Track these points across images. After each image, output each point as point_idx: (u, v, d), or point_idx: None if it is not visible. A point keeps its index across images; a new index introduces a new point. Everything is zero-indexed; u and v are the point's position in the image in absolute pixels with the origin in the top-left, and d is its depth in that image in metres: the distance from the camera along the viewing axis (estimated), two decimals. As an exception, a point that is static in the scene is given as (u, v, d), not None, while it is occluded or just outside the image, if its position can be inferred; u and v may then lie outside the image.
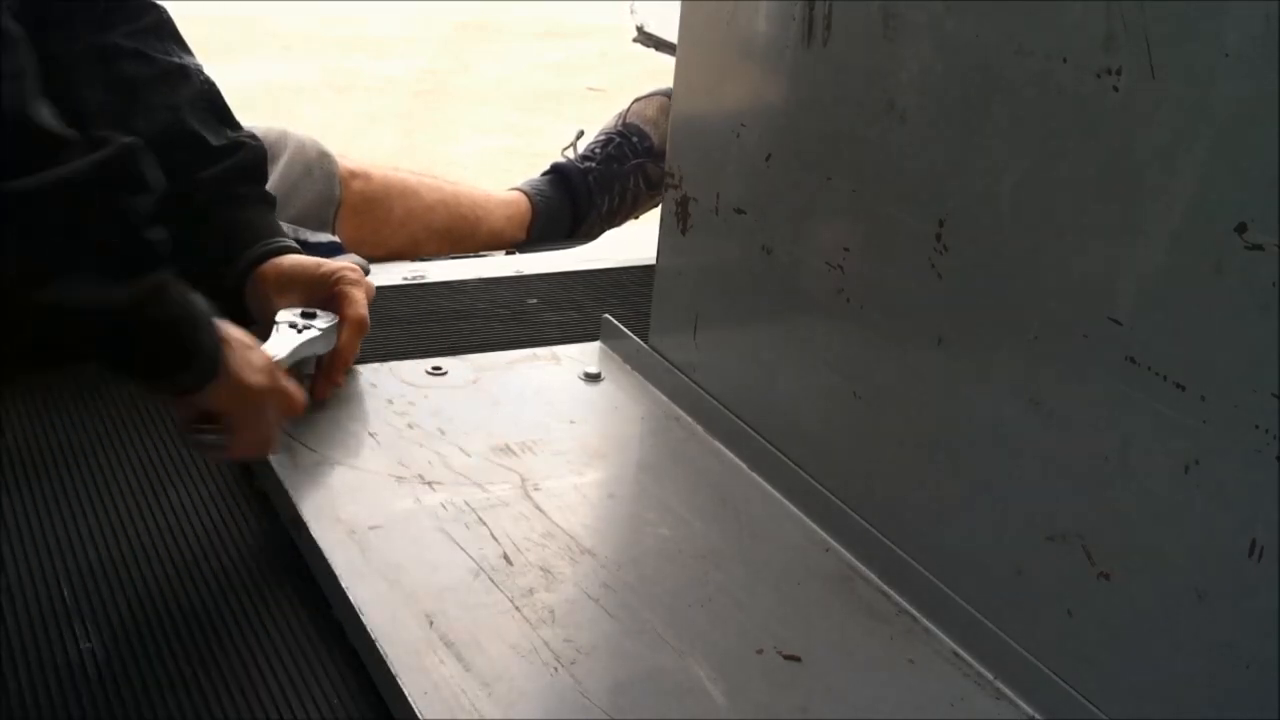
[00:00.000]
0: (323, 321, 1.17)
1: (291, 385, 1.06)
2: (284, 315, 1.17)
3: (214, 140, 1.25)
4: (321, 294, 1.20)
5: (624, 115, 1.81)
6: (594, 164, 1.77)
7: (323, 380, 1.18)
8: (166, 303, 0.92)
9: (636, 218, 1.82)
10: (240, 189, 1.26)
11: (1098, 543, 0.84)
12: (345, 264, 1.24)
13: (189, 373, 0.94)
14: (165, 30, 1.30)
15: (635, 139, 1.78)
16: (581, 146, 1.81)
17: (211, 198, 1.24)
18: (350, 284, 1.20)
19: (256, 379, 1.00)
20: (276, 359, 1.09)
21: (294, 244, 1.27)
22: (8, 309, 0.86)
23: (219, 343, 0.96)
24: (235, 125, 1.30)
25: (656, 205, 1.77)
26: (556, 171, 1.78)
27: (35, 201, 0.84)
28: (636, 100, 1.82)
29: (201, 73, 1.29)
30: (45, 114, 0.86)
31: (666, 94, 1.79)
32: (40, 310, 0.86)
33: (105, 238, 0.88)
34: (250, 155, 1.27)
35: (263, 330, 1.16)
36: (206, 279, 1.27)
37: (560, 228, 1.75)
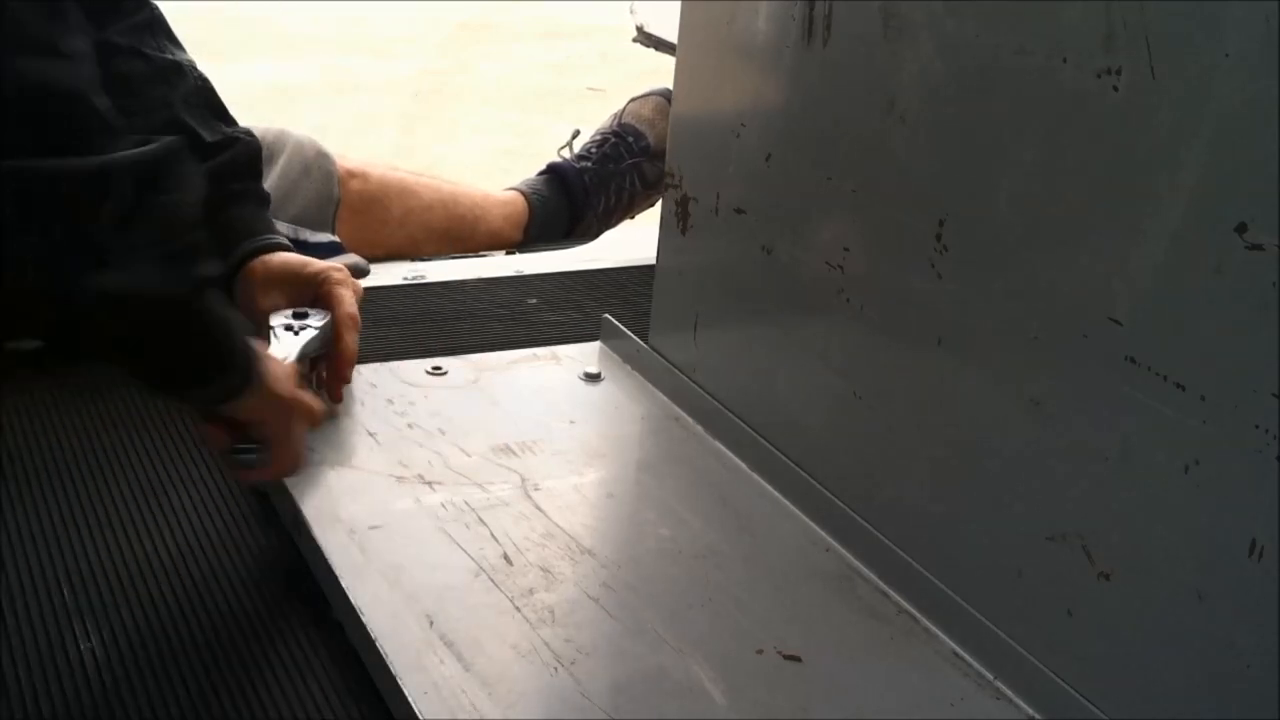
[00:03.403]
0: (316, 320, 1.16)
1: (309, 395, 1.06)
2: (277, 319, 1.15)
3: (208, 136, 1.25)
4: (308, 294, 1.19)
5: (619, 115, 1.81)
6: (590, 164, 1.76)
7: (335, 381, 1.18)
8: (213, 303, 0.90)
9: (633, 217, 1.82)
10: (233, 185, 1.26)
11: (1098, 543, 0.84)
12: (331, 264, 1.24)
13: (226, 378, 0.93)
14: (159, 27, 1.29)
15: (631, 139, 1.78)
16: (577, 146, 1.81)
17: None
18: (337, 283, 1.20)
19: (285, 388, 1.00)
20: (285, 364, 1.09)
21: (285, 241, 1.25)
22: (54, 293, 0.82)
23: (253, 351, 0.95)
24: (230, 121, 1.29)
25: (653, 204, 1.78)
26: (553, 171, 1.77)
27: (97, 181, 0.81)
28: (632, 100, 1.82)
29: (195, 69, 1.29)
30: (104, 101, 0.84)
31: (662, 94, 1.79)
32: (93, 296, 0.82)
33: (168, 227, 0.86)
34: (244, 151, 1.27)
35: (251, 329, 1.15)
36: None
37: (557, 227, 1.75)
